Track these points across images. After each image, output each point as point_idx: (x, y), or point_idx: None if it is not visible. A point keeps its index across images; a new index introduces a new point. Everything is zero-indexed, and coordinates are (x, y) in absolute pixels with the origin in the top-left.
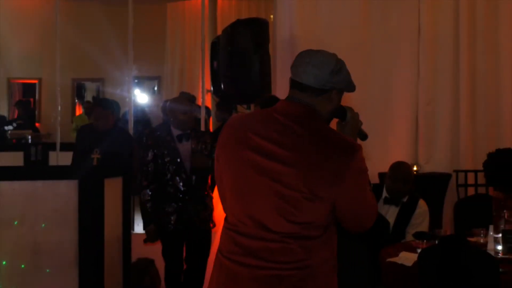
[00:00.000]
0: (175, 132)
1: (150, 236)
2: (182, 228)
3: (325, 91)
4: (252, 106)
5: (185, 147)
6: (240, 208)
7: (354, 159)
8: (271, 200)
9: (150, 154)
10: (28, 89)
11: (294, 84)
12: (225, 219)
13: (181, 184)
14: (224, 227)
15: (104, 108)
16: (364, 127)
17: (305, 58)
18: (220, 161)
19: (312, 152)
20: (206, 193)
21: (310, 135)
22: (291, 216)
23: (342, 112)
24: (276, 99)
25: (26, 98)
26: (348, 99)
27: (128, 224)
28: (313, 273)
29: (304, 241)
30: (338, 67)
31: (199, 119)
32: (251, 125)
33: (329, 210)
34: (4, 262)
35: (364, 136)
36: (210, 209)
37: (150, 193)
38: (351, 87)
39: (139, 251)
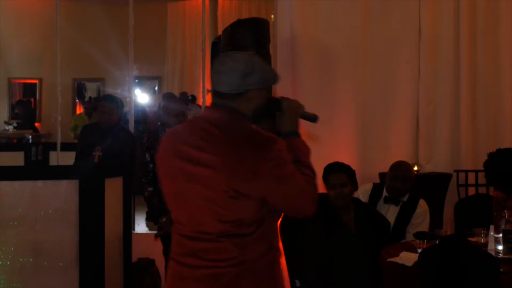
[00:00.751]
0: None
1: (166, 226)
2: None
3: (241, 94)
4: None
5: None
6: (179, 213)
7: (270, 153)
8: (203, 205)
9: (147, 156)
10: (29, 89)
11: (213, 92)
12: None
13: None
14: (172, 230)
15: (110, 102)
16: (364, 127)
17: (218, 67)
18: (159, 173)
19: (231, 153)
20: None
21: (229, 136)
22: (221, 216)
23: (276, 104)
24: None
25: (27, 98)
26: (350, 99)
27: (128, 224)
28: (249, 268)
29: (236, 239)
30: (249, 69)
31: None
32: (181, 135)
33: (258, 205)
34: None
35: (312, 118)
36: None
37: (151, 189)
38: (269, 82)
39: (139, 251)
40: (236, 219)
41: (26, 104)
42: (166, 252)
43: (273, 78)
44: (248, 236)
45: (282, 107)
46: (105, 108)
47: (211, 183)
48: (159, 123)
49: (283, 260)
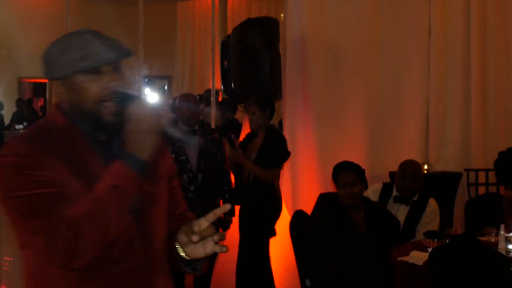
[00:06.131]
0: (182, 129)
1: None
2: None
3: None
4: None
5: (191, 145)
6: None
7: None
8: None
9: None
10: (39, 88)
11: None
12: None
13: (187, 182)
14: None
15: None
16: (374, 126)
17: None
18: None
19: None
20: (215, 192)
21: None
22: None
23: (123, 102)
24: (270, 97)
25: (36, 97)
26: (360, 98)
27: None
28: None
29: None
30: (48, 56)
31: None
32: None
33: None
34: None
35: (184, 140)
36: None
37: None
38: (65, 71)
39: None
40: None
41: (27, 103)
42: None
43: (72, 66)
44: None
45: (128, 111)
46: None
47: None
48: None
49: None
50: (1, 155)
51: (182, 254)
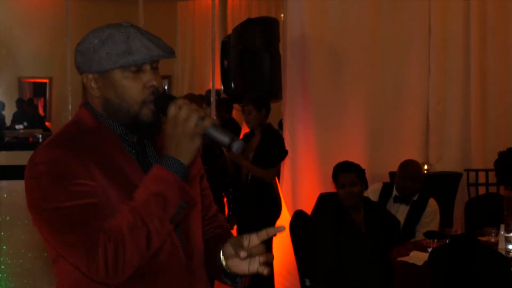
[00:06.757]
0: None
1: None
2: None
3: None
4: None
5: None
6: None
7: (27, 177)
8: None
9: None
10: (39, 88)
11: None
12: None
13: None
14: None
15: None
16: (374, 126)
17: None
18: None
19: None
20: (220, 193)
21: None
22: None
23: (163, 103)
24: (266, 96)
25: (37, 97)
26: (360, 98)
27: None
28: None
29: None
30: (84, 47)
31: None
32: None
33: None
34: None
35: (224, 142)
36: (224, 209)
37: None
38: (103, 64)
39: None
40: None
41: (29, 103)
42: None
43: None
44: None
45: (168, 112)
46: None
47: None
48: None
49: None
50: (31, 164)
51: (224, 265)
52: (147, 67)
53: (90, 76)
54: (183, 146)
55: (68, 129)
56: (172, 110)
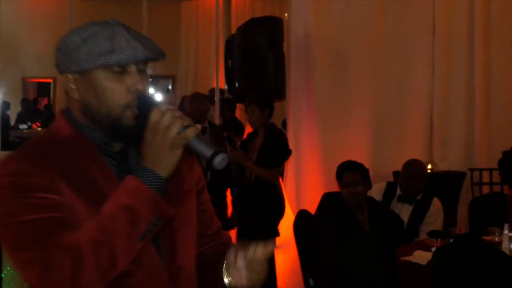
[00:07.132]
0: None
1: None
2: None
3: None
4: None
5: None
6: None
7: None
8: None
9: None
10: (43, 88)
11: None
12: None
13: None
14: None
15: None
16: (378, 125)
17: None
18: None
19: None
20: (224, 191)
21: None
22: None
23: (147, 108)
24: (270, 96)
25: (41, 97)
26: (364, 97)
27: None
28: None
29: None
30: (65, 45)
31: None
32: None
33: None
34: None
35: (211, 159)
36: (226, 208)
37: None
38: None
39: None
40: None
41: (33, 102)
42: None
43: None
44: None
45: (149, 119)
46: None
47: None
48: None
49: None
50: None
51: (227, 282)
52: (132, 69)
53: (70, 76)
54: (161, 156)
55: (40, 139)
56: (154, 115)
